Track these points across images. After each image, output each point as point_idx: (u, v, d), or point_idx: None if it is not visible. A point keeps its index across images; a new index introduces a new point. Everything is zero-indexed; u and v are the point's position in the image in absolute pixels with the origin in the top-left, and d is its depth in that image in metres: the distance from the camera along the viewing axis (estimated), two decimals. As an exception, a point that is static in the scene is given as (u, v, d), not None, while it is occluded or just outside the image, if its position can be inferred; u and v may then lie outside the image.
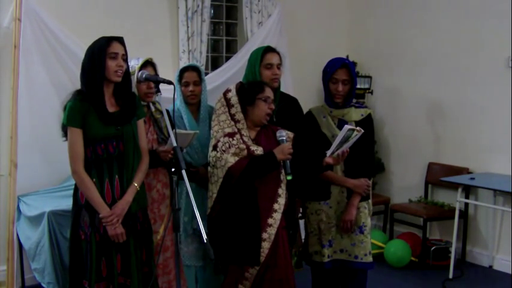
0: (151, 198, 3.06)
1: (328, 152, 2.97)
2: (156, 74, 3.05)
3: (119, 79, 2.70)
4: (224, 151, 2.80)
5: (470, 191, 4.70)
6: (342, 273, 3.35)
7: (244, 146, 2.82)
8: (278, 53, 3.22)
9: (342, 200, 3.24)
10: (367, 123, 3.22)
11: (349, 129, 2.87)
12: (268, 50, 3.21)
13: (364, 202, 3.26)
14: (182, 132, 3.01)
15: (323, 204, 3.26)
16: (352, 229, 3.21)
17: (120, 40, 2.71)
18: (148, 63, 3.07)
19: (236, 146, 2.81)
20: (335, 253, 3.27)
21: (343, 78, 3.16)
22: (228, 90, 2.97)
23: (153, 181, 3.10)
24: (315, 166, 3.01)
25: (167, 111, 3.11)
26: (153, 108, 3.12)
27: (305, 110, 3.42)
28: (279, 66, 3.19)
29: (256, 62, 3.16)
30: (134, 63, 3.00)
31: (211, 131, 2.94)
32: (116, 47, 2.67)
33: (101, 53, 2.64)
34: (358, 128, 2.93)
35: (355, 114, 3.25)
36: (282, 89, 3.38)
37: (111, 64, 2.65)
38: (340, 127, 3.16)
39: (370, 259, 3.26)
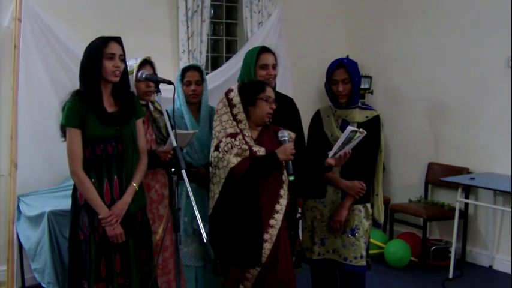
0: (150, 199, 3.05)
1: (331, 153, 2.97)
2: (155, 73, 3.04)
3: (117, 79, 2.69)
4: (226, 151, 2.79)
5: (470, 191, 4.70)
6: (339, 274, 3.35)
7: (247, 147, 2.81)
8: (273, 53, 3.22)
9: (336, 200, 3.23)
10: (372, 125, 3.18)
11: (352, 131, 2.88)
12: (263, 50, 3.21)
13: (360, 205, 3.23)
14: (181, 132, 3.00)
15: (318, 202, 3.27)
16: (341, 230, 3.19)
17: (117, 40, 2.70)
18: (146, 62, 3.06)
19: (238, 147, 2.80)
20: (327, 252, 3.27)
21: (341, 78, 3.17)
22: (230, 90, 2.96)
23: (152, 182, 3.09)
24: (317, 167, 3.00)
25: (167, 111, 3.11)
26: (152, 108, 3.11)
27: (305, 110, 3.41)
28: (274, 66, 3.19)
29: (251, 62, 3.16)
30: (132, 63, 3.00)
31: (213, 131, 2.93)
32: (113, 48, 2.66)
33: (97, 54, 2.63)
34: (360, 129, 2.93)
35: (359, 115, 3.23)
36: (282, 89, 3.37)
37: (108, 65, 2.64)
38: (342, 127, 3.17)
39: (361, 263, 3.20)
